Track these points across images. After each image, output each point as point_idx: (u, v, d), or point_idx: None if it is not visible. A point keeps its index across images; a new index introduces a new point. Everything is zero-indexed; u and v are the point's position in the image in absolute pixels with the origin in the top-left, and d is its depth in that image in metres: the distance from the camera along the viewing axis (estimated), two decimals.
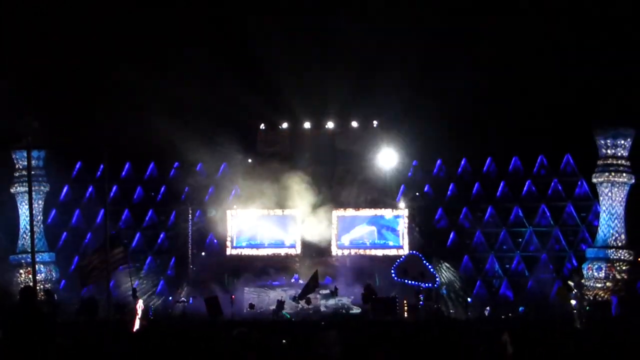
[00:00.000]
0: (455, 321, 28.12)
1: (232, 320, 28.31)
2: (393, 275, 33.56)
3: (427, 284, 33.32)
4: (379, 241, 36.74)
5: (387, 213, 36.89)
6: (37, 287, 33.17)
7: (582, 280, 30.42)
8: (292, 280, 35.22)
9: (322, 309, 32.53)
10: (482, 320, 30.01)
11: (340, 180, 37.36)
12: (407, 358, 10.42)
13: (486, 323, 27.04)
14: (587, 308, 28.58)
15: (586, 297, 31.28)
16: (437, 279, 33.69)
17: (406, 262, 34.12)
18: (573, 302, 27.39)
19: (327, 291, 33.13)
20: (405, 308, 31.67)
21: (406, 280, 33.33)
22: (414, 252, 35.00)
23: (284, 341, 11.02)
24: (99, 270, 22.75)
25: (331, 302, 32.90)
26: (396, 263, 34.18)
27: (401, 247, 36.31)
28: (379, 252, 36.58)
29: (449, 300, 34.46)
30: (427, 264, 33.93)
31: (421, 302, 31.65)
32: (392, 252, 36.36)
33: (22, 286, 20.41)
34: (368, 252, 36.67)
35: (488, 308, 32.84)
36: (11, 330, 13.05)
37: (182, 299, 31.85)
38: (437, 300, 32.84)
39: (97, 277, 23.02)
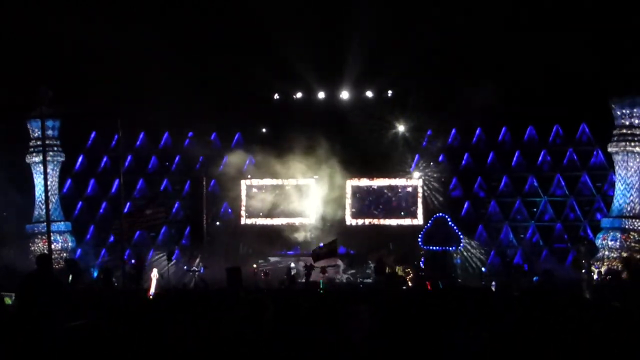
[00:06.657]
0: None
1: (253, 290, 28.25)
2: (420, 243, 33.68)
3: (452, 247, 33.43)
4: None
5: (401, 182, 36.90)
6: (59, 256, 33.78)
7: (593, 250, 30.27)
8: (305, 250, 35.29)
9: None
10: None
11: (355, 150, 37.19)
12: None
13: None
14: (598, 277, 28.43)
15: (597, 267, 31.19)
16: (462, 240, 33.74)
17: (432, 228, 34.15)
18: (582, 270, 27.34)
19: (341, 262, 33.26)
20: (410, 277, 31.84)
21: (431, 247, 33.44)
22: (441, 214, 34.90)
23: None
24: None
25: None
26: (424, 229, 34.24)
27: (415, 217, 36.32)
28: (393, 222, 36.59)
29: (467, 268, 34.46)
30: (452, 225, 33.93)
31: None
32: (407, 221, 36.40)
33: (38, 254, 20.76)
34: (382, 221, 36.69)
35: (494, 283, 32.57)
36: (26, 297, 13.22)
37: (194, 267, 31.98)
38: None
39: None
